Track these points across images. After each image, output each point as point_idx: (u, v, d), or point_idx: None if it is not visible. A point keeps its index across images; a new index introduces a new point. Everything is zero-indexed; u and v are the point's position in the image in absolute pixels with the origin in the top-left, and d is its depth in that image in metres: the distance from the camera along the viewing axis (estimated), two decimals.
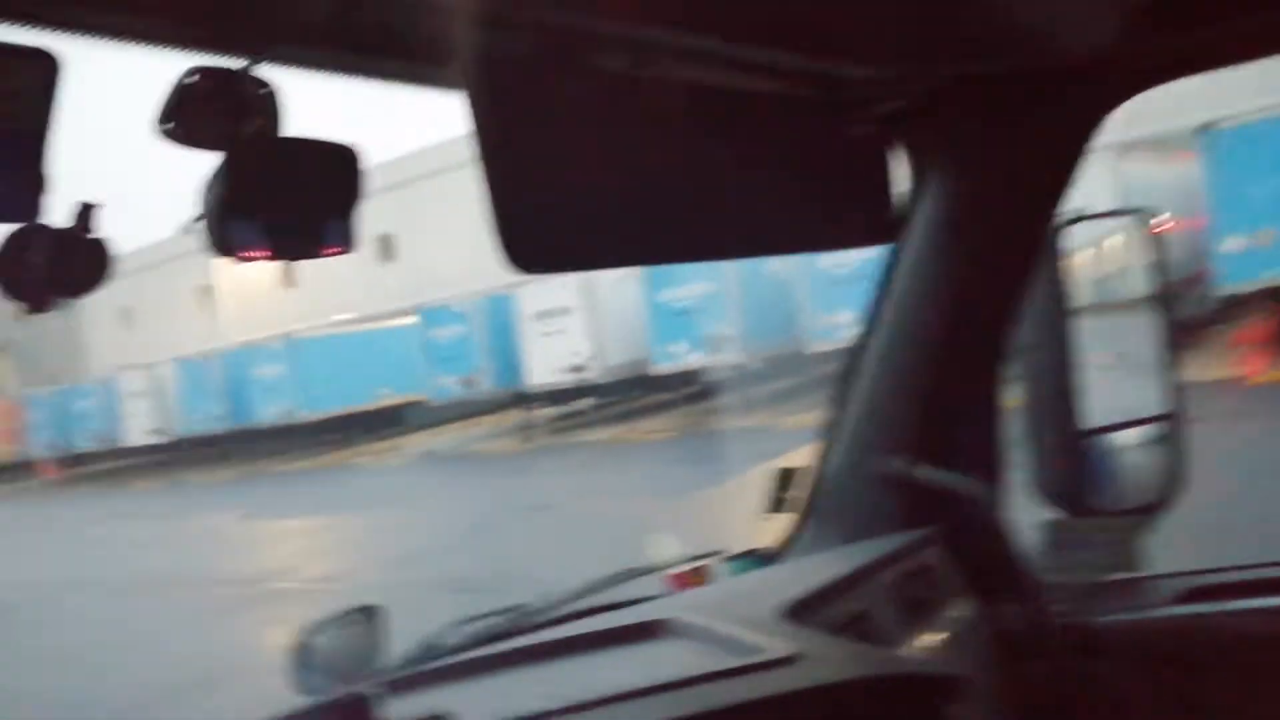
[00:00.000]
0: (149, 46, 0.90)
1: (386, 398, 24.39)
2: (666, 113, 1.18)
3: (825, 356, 17.03)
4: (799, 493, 1.97)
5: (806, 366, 18.13)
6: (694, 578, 1.85)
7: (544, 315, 19.12)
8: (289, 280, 37.97)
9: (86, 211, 0.89)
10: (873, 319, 1.87)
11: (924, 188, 1.76)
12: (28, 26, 0.82)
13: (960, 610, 1.76)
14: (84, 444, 28.65)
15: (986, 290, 1.81)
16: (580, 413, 21.18)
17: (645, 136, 1.17)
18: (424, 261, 33.40)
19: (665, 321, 17.41)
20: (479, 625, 1.67)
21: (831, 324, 15.66)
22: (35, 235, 0.86)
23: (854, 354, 1.90)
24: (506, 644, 1.55)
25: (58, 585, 12.09)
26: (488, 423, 22.52)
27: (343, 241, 1.00)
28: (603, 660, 1.47)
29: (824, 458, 1.94)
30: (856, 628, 1.55)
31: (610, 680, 1.31)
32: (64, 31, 0.84)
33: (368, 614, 1.60)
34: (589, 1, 1.04)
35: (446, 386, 20.98)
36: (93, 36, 0.87)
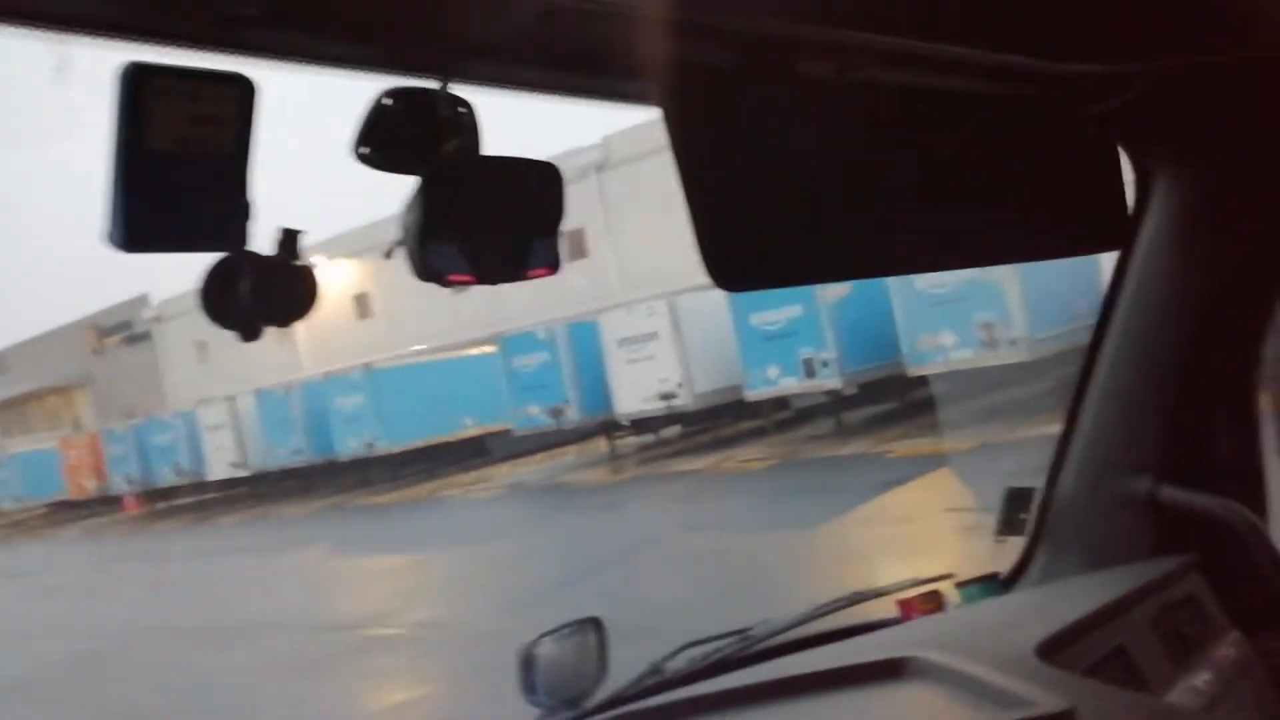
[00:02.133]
0: (342, 70, 0.89)
1: (469, 428, 24.22)
2: (875, 118, 1.13)
3: (926, 380, 16.37)
4: (1029, 515, 1.87)
5: (906, 391, 17.48)
6: (925, 604, 1.77)
7: (631, 341, 18.74)
8: (364, 311, 38.26)
9: (290, 238, 0.88)
10: (1105, 327, 1.76)
11: (1155, 188, 1.65)
12: (224, 53, 0.82)
13: (1229, 648, 1.63)
14: (166, 478, 28.90)
15: (1233, 297, 1.69)
16: (669, 441, 20.70)
17: (854, 144, 1.11)
18: (497, 290, 33.11)
19: (757, 346, 16.90)
20: (705, 650, 1.61)
21: (932, 346, 15.02)
22: (242, 263, 0.85)
23: (1085, 365, 1.79)
24: (735, 676, 1.49)
25: (144, 631, 11.87)
26: (574, 452, 22.17)
27: (548, 262, 0.96)
28: (842, 702, 1.36)
29: (1056, 477, 1.82)
30: (1115, 666, 1.44)
31: None
32: (258, 57, 0.84)
33: (592, 627, 1.62)
34: (791, 7, 0.99)
35: (531, 416, 20.69)
36: (285, 61, 0.87)
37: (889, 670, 1.39)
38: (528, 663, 1.57)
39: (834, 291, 16.19)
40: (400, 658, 8.94)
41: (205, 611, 12.39)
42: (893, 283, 15.18)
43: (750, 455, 16.58)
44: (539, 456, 22.85)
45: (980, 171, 1.24)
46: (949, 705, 1.28)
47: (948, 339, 14.71)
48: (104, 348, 48.32)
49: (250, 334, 0.90)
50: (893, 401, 18.00)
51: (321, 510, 22.01)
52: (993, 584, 1.85)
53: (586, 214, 30.50)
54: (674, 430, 20.74)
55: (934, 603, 1.79)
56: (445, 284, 0.91)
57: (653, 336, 18.34)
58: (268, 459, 25.88)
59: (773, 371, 16.80)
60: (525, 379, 20.51)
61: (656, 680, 1.56)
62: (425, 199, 0.88)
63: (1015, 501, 1.93)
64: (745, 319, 16.99)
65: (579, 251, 32.00)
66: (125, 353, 47.33)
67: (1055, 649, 1.38)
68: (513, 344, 21.06)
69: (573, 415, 20.01)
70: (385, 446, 23.34)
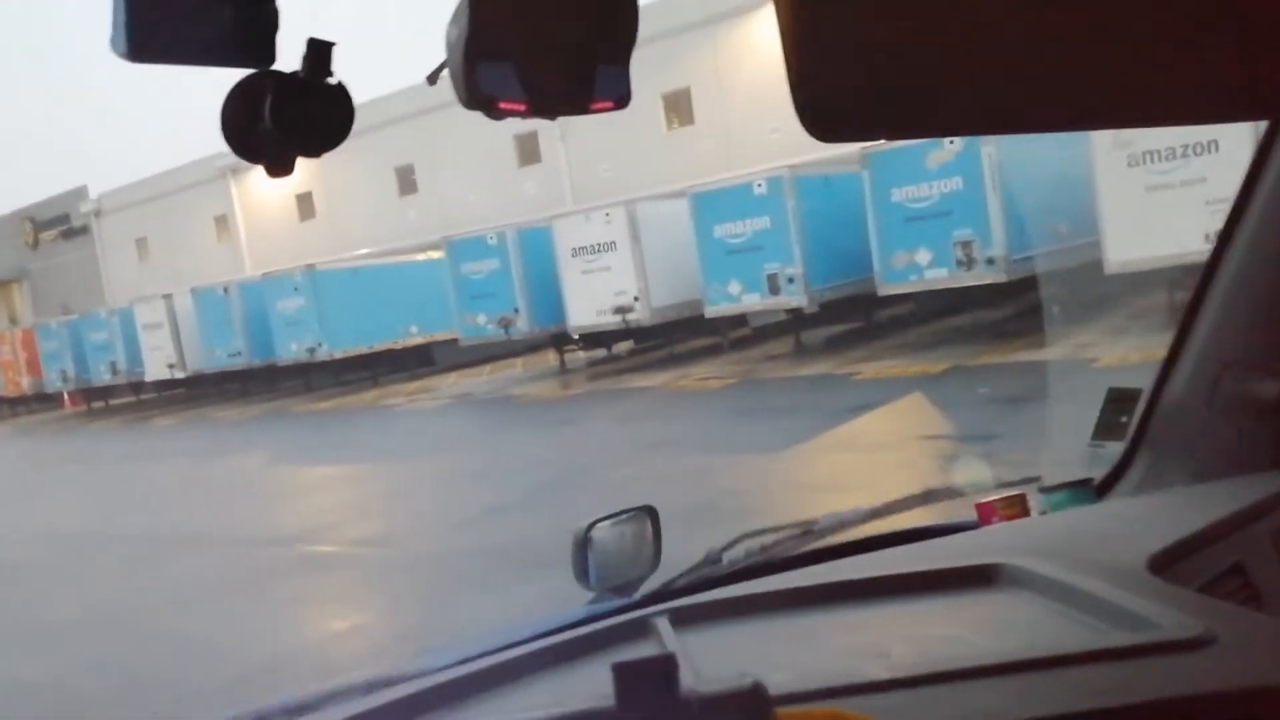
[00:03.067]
0: None
1: (415, 336, 23.07)
2: None
3: (887, 301, 15.61)
4: (1131, 419, 1.67)
5: (869, 310, 16.76)
6: (1007, 509, 1.60)
7: (585, 250, 17.60)
8: (307, 212, 36.47)
9: (320, 52, 0.77)
10: (1242, 209, 1.50)
11: None
12: None
13: None
14: (102, 376, 27.52)
15: None
16: (621, 357, 19.79)
17: None
18: (445, 194, 31.88)
19: (720, 259, 15.89)
20: (764, 542, 1.52)
21: (906, 263, 14.18)
22: (266, 83, 0.75)
23: (1214, 253, 1.55)
24: (801, 574, 1.37)
25: (71, 540, 10.83)
26: (522, 364, 21.19)
27: (615, 93, 0.81)
28: (925, 609, 1.20)
29: (1166, 378, 1.62)
30: (1231, 585, 1.27)
31: (945, 639, 1.11)
32: None
33: (646, 515, 1.59)
34: None
35: (479, 325, 19.53)
36: None
37: (978, 576, 1.24)
38: (582, 546, 1.53)
39: (803, 203, 15.25)
40: (339, 579, 8.04)
41: (133, 520, 11.33)
42: (868, 195, 14.30)
43: (708, 373, 15.70)
44: (486, 367, 21.86)
45: (1127, 7, 0.88)
46: (1050, 619, 1.11)
47: (923, 256, 13.85)
48: (40, 242, 46.10)
49: (279, 165, 0.79)
50: (855, 321, 17.28)
51: (260, 416, 20.83)
52: (1085, 490, 1.65)
53: None
54: (625, 345, 19.83)
55: (1017, 507, 1.62)
56: (495, 113, 0.77)
57: (610, 246, 17.21)
58: (206, 361, 24.57)
59: (735, 287, 15.84)
60: (473, 286, 19.28)
61: (713, 572, 1.47)
62: (475, 8, 0.74)
63: (1117, 403, 1.74)
64: (708, 230, 15.96)
65: (530, 156, 30.56)
66: (63, 247, 45.22)
67: (1166, 563, 1.21)
68: (461, 248, 19.73)
69: (522, 326, 18.88)
70: (327, 351, 22.02)
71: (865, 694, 0.94)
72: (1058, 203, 14.41)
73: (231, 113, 0.75)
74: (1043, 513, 1.62)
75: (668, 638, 1.10)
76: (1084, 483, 1.65)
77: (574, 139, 28.64)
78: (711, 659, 1.03)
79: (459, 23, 0.75)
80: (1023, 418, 9.44)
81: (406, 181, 34.02)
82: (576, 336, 18.72)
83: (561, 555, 1.55)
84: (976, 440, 8.82)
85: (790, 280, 15.27)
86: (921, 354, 14.11)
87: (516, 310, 18.77)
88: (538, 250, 18.52)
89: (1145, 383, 1.67)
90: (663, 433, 11.55)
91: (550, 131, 29.14)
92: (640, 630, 1.18)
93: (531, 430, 13.52)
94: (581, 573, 1.51)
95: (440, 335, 22.24)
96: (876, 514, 1.57)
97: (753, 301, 15.87)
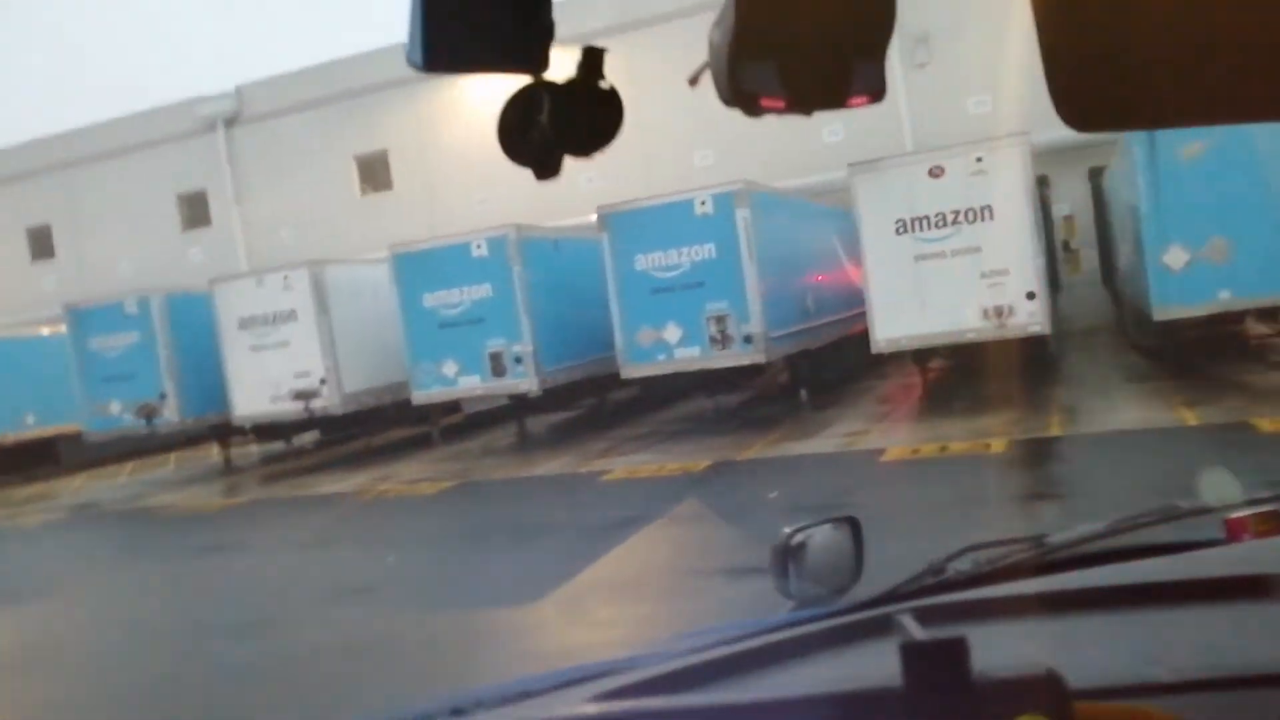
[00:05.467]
0: None
1: (31, 427, 17.50)
2: None
3: (619, 383, 13.10)
4: None
5: (597, 394, 14.19)
6: (1262, 525, 1.36)
7: (257, 321, 13.63)
8: None
9: (594, 58, 0.78)
10: None
11: None
12: None
13: None
14: None
15: None
16: (305, 451, 15.70)
17: None
18: (91, 260, 25.97)
19: (431, 334, 12.64)
20: (991, 555, 1.35)
21: (653, 341, 11.75)
22: (542, 91, 0.76)
23: None
24: (1037, 583, 1.20)
25: None
26: (175, 462, 16.38)
27: (872, 88, 0.79)
28: (1202, 617, 1.05)
29: None
30: None
31: (1228, 646, 0.97)
32: None
33: (849, 525, 1.51)
34: None
35: (112, 415, 14.68)
36: None
37: (1250, 586, 1.06)
38: (783, 554, 1.42)
39: (532, 270, 12.47)
40: None
41: None
42: (608, 262, 11.81)
43: (417, 474, 12.23)
44: (128, 466, 16.81)
45: None
46: None
47: (672, 333, 11.51)
48: None
49: (547, 169, 0.78)
50: (583, 407, 14.66)
51: None
52: None
53: (210, 175, 24.32)
54: (310, 437, 15.84)
55: (1272, 524, 1.35)
56: (756, 110, 0.75)
57: (289, 316, 13.38)
58: None
59: (450, 368, 12.61)
60: (105, 365, 14.48)
61: (938, 580, 1.29)
62: (740, 10, 0.73)
63: None
64: (415, 299, 12.68)
65: (198, 219, 25.61)
66: None
67: None
68: (88, 319, 14.84)
69: (171, 415, 14.31)
70: None
71: (1157, 695, 0.85)
72: (816, 274, 12.76)
73: (509, 119, 0.75)
74: None
75: (917, 633, 0.93)
76: None
77: (250, 201, 24.21)
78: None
79: (723, 25, 0.74)
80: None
81: (42, 244, 27.52)
82: (247, 427, 14.50)
83: None
84: None
85: (518, 360, 12.31)
86: (672, 446, 11.65)
87: (163, 395, 14.23)
88: (193, 321, 14.25)
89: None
90: (363, 568, 8.00)
91: (222, 193, 24.53)
92: (885, 626, 1.05)
93: (170, 562, 9.33)
94: (782, 580, 1.42)
95: (68, 427, 17.01)
96: (1115, 529, 1.35)
97: (472, 384, 12.70)
